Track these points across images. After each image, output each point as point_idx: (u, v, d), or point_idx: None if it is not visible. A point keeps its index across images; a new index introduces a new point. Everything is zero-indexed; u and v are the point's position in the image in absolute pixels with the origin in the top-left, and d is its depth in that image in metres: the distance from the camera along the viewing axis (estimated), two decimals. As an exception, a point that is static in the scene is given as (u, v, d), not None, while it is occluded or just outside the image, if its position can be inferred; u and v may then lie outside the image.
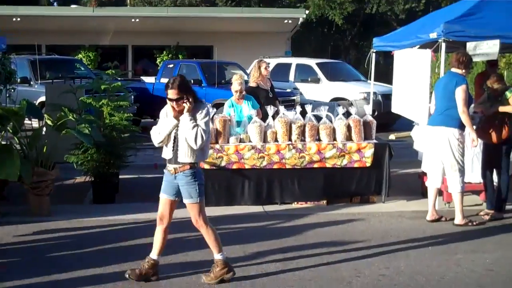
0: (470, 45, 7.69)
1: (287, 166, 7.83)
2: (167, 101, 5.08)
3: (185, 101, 5.02)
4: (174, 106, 5.04)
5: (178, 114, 5.07)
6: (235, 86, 8.13)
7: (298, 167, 7.83)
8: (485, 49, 7.72)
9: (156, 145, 5.21)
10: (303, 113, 8.07)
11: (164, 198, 5.26)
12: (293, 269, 5.59)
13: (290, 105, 12.03)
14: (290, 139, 7.87)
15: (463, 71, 7.01)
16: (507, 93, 7.23)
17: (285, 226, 7.08)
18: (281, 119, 7.89)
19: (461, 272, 5.51)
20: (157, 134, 5.15)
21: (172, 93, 4.99)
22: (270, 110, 7.95)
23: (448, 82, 7.00)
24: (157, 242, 5.29)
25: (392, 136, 13.94)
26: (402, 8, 31.21)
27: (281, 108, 8.24)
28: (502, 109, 7.16)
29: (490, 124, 7.16)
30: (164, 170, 5.28)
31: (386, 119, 14.62)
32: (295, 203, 8.00)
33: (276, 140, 7.88)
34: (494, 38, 7.68)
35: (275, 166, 7.82)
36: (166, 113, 5.18)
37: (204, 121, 5.08)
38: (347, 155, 7.84)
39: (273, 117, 7.96)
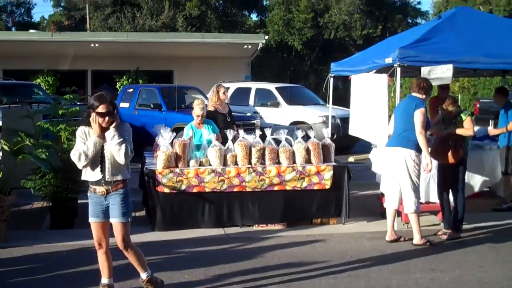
0: (424, 70, 7.88)
1: (248, 189, 7.86)
2: (94, 118, 4.99)
3: (115, 115, 5.01)
4: (102, 123, 4.98)
5: (102, 132, 5.02)
6: (197, 111, 8.18)
7: (258, 190, 7.87)
8: (439, 73, 7.92)
9: (81, 167, 5.09)
10: (263, 137, 8.14)
11: (96, 222, 5.19)
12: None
13: (250, 129, 12.09)
14: (250, 163, 7.91)
15: (423, 96, 7.19)
16: (462, 116, 7.44)
17: (246, 249, 7.08)
18: (241, 142, 7.93)
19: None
20: (82, 156, 4.99)
21: (104, 108, 4.95)
22: (230, 134, 7.99)
23: (407, 105, 7.16)
24: (103, 267, 5.27)
25: (351, 159, 14.12)
26: (360, 34, 31.92)
27: (241, 132, 8.29)
28: (459, 131, 7.35)
29: (445, 145, 7.33)
30: (89, 194, 5.20)
31: (345, 142, 14.82)
32: (256, 225, 8.02)
33: (236, 163, 7.90)
34: (447, 62, 7.89)
35: (236, 189, 7.84)
36: (86, 132, 5.09)
37: (130, 137, 5.09)
38: (306, 177, 7.92)
39: (233, 140, 8.00)
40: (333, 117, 14.45)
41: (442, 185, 7.57)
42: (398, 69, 7.98)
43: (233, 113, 9.60)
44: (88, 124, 5.04)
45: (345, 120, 14.20)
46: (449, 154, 7.27)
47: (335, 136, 14.36)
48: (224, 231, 7.79)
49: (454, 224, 7.45)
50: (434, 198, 8.03)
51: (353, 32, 32.05)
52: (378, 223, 8.13)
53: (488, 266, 6.34)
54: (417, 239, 7.13)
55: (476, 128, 10.98)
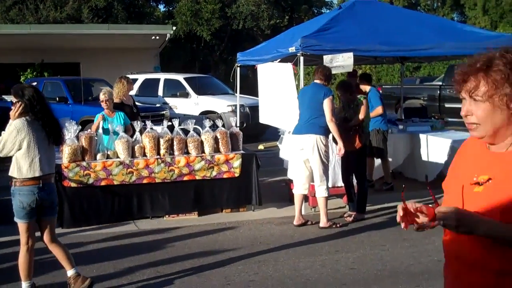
0: (326, 58, 8.11)
1: (157, 180, 7.83)
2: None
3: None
4: None
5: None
6: (100, 97, 8.09)
7: (168, 180, 7.86)
8: (341, 61, 8.17)
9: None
10: (172, 127, 8.13)
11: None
12: (164, 281, 5.62)
13: (159, 120, 12.02)
14: (158, 154, 7.88)
15: (326, 83, 7.40)
16: (361, 98, 7.73)
17: (156, 240, 7.07)
18: (149, 134, 7.88)
19: (325, 273, 5.78)
20: None
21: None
22: (137, 125, 7.93)
23: (315, 93, 7.32)
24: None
25: (261, 146, 14.33)
26: (267, 24, 32.25)
27: (148, 123, 8.24)
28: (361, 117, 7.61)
29: (345, 132, 7.57)
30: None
31: (255, 130, 15.02)
32: (167, 216, 8.01)
33: (144, 155, 7.86)
34: (347, 51, 8.16)
35: (145, 181, 7.80)
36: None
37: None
38: (216, 166, 7.98)
39: (140, 132, 7.95)
40: (242, 106, 14.63)
41: (346, 169, 7.84)
42: (301, 58, 8.18)
43: (142, 104, 9.53)
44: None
45: (254, 109, 14.40)
46: (350, 140, 7.51)
47: (244, 125, 14.57)
48: (134, 224, 7.73)
49: (358, 206, 7.74)
50: (340, 182, 8.31)
51: (261, 22, 32.33)
52: (287, 208, 8.31)
53: (390, 244, 6.64)
54: (323, 222, 7.36)
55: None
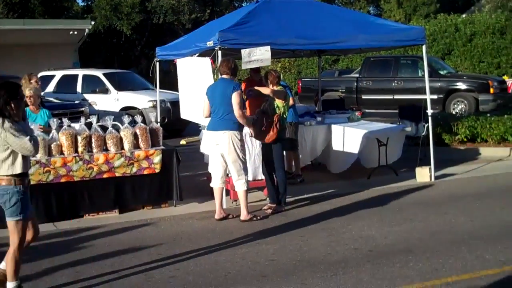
0: (244, 52, 8.15)
1: (76, 179, 7.67)
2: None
3: None
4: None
5: None
6: (26, 92, 7.81)
7: (87, 178, 7.72)
8: (259, 55, 8.24)
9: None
10: (90, 124, 7.97)
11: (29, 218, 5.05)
12: (83, 279, 5.53)
13: (79, 117, 11.75)
14: (76, 151, 7.72)
15: (233, 77, 7.44)
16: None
17: (76, 240, 6.94)
18: (66, 131, 7.70)
19: (246, 265, 5.84)
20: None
21: None
22: (53, 123, 7.74)
23: (224, 88, 7.34)
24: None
25: (183, 141, 14.28)
26: (188, 18, 32.07)
27: (65, 121, 8.06)
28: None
29: (261, 125, 7.64)
30: (19, 188, 4.89)
31: (177, 125, 14.95)
32: (87, 215, 7.87)
33: (62, 153, 7.68)
34: (265, 44, 8.24)
35: (63, 180, 7.62)
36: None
37: None
38: (136, 163, 7.89)
39: (57, 130, 7.76)
40: (163, 101, 14.53)
41: (265, 162, 7.93)
42: (219, 52, 8.21)
43: (60, 102, 9.30)
44: (6, 116, 4.81)
45: (175, 104, 14.30)
46: (266, 133, 7.59)
47: (166, 120, 14.49)
48: (53, 225, 7.55)
49: (278, 198, 7.85)
50: (261, 175, 8.41)
51: (181, 17, 32.11)
52: (209, 203, 8.30)
53: (308, 235, 6.76)
54: (244, 215, 7.43)
55: (297, 105, 11.63)
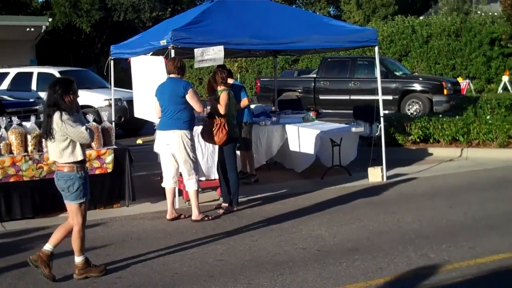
0: (197, 52, 8.13)
1: (25, 178, 7.54)
2: (70, 100, 5.31)
3: None
4: None
5: None
6: None
7: (36, 178, 7.59)
8: (212, 54, 8.22)
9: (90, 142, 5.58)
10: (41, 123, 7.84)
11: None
12: (28, 282, 5.44)
13: (34, 115, 11.57)
14: (26, 150, 7.59)
15: (181, 75, 7.41)
16: (218, 92, 7.80)
17: (24, 240, 6.83)
18: (15, 130, 7.57)
19: (194, 265, 5.82)
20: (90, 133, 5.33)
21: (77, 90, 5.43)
22: (2, 121, 7.60)
23: (174, 87, 7.30)
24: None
25: (139, 141, 14.16)
26: (149, 16, 31.85)
27: (14, 119, 7.91)
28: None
29: (211, 126, 7.64)
30: (81, 174, 5.39)
31: (134, 124, 14.82)
32: (38, 215, 7.73)
33: (11, 152, 7.54)
34: (218, 44, 8.23)
35: (12, 179, 7.48)
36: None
37: None
38: (87, 162, 7.77)
39: (6, 128, 7.62)
40: (119, 100, 14.41)
41: (219, 162, 7.93)
42: (172, 51, 8.17)
43: (13, 99, 9.13)
44: (63, 109, 5.20)
45: (132, 103, 14.19)
46: (215, 135, 7.59)
47: (122, 119, 14.36)
48: (1, 224, 7.41)
49: (229, 198, 7.86)
50: (214, 174, 8.40)
51: (142, 15, 31.92)
52: (162, 203, 8.23)
53: (258, 235, 6.79)
54: (195, 215, 7.41)
55: (254, 105, 11.70)
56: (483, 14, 26.23)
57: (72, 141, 5.27)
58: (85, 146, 5.45)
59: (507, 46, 20.77)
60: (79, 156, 5.33)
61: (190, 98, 7.25)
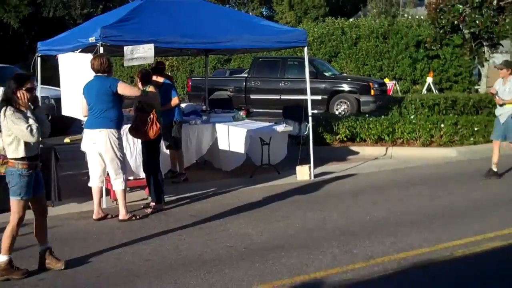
0: (127, 49, 8.03)
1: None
2: (23, 95, 5.28)
3: None
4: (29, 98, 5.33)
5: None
6: None
7: (2, 174, 7.31)
8: (142, 53, 8.14)
9: (36, 141, 5.32)
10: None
11: (29, 198, 5.49)
12: None
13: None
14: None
15: (108, 74, 7.33)
16: (146, 89, 7.79)
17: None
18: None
19: (120, 265, 5.77)
20: (38, 130, 5.24)
21: (32, 83, 5.39)
22: None
23: (101, 86, 7.19)
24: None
25: (67, 139, 13.81)
26: (80, 13, 31.17)
27: None
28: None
29: (142, 122, 7.61)
30: (24, 171, 5.37)
31: (62, 123, 14.49)
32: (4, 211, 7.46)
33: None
34: (148, 42, 8.16)
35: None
36: (15, 111, 5.31)
37: None
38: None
39: None
40: (47, 97, 14.06)
41: (145, 160, 7.89)
42: (101, 49, 8.05)
43: None
44: (10, 104, 5.22)
45: (59, 101, 13.89)
46: (144, 131, 7.56)
47: (50, 117, 13.97)
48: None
49: (156, 197, 7.83)
50: (143, 173, 8.34)
51: (73, 11, 31.15)
52: (89, 203, 8.09)
53: (186, 234, 6.80)
54: (122, 215, 7.34)
55: (185, 104, 11.68)
56: (409, 17, 27.01)
57: (16, 137, 5.27)
58: (33, 144, 5.37)
59: (431, 49, 21.45)
60: (20, 153, 5.30)
61: (123, 89, 7.17)
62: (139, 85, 7.83)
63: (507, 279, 5.42)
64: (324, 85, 17.03)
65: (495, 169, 9.76)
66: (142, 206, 7.94)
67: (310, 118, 10.09)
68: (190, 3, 10.02)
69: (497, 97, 9.59)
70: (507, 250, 6.15)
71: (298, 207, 8.06)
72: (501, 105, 9.56)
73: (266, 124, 11.00)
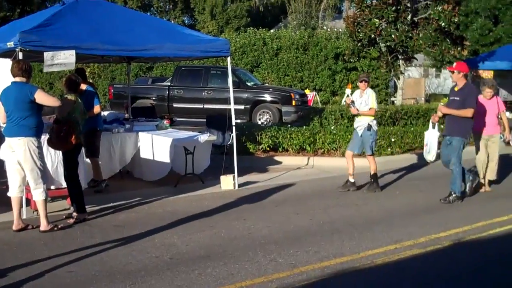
0: (47, 55, 7.84)
1: None
2: None
3: None
4: None
5: None
6: None
7: None
8: (62, 59, 7.96)
9: None
10: None
11: None
12: None
13: None
14: None
15: (26, 79, 7.14)
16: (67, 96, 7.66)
17: None
18: None
19: (42, 279, 5.57)
20: None
21: None
22: None
23: (19, 93, 6.98)
24: None
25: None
26: (-6, 16, 30.07)
27: None
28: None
29: (56, 134, 7.43)
30: None
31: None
32: None
33: None
34: (69, 48, 8.00)
35: None
36: None
37: None
38: None
39: None
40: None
41: (66, 170, 7.72)
42: (20, 54, 7.81)
43: None
44: None
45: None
46: (64, 139, 7.40)
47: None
48: None
49: (79, 206, 7.67)
50: (64, 183, 8.15)
51: (-13, 13, 30.06)
52: (8, 213, 7.81)
53: (110, 244, 6.65)
54: (43, 226, 7.14)
55: (107, 112, 11.50)
56: (328, 30, 27.75)
57: None
58: None
59: (350, 61, 22.09)
60: None
61: (41, 98, 6.98)
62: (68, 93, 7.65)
63: (425, 287, 5.66)
64: (246, 95, 17.21)
65: (352, 180, 9.87)
66: (64, 216, 7.75)
67: (233, 128, 10.17)
68: (113, 10, 9.93)
69: (352, 107, 9.74)
70: (424, 257, 6.42)
71: (223, 216, 8.10)
72: (357, 117, 9.78)
73: (190, 133, 10.99)
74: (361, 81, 9.77)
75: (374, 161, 9.86)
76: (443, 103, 10.10)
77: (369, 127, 9.63)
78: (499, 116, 9.92)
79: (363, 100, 9.67)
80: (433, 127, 9.56)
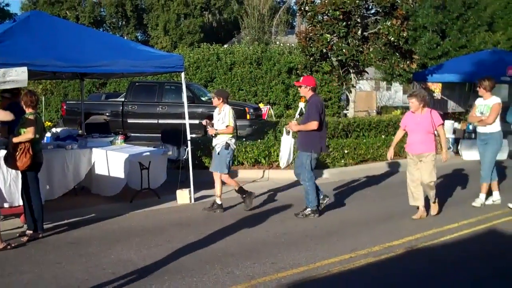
0: (-1, 72, 7.75)
1: None
2: None
3: None
4: None
5: None
6: None
7: None
8: (14, 76, 7.85)
9: None
10: None
11: None
12: None
13: None
14: None
15: None
16: (27, 115, 7.56)
17: None
18: None
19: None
20: None
21: None
22: None
23: None
24: None
25: None
26: None
27: None
28: (16, 139, 7.37)
29: (16, 150, 7.35)
30: None
31: None
32: None
33: None
34: (21, 65, 7.91)
35: None
36: None
37: None
38: None
39: None
40: None
41: (23, 188, 7.61)
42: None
43: None
44: None
45: None
46: (17, 160, 7.31)
47: None
48: None
49: (33, 225, 7.57)
50: (18, 201, 8.04)
51: None
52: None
53: (66, 261, 6.63)
54: (-4, 244, 7.04)
55: (60, 129, 11.39)
56: (281, 44, 28.06)
57: None
58: None
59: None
60: None
61: None
62: (27, 110, 7.56)
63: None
64: (201, 110, 17.24)
65: (219, 202, 9.42)
66: (17, 235, 7.63)
67: (189, 142, 10.21)
68: (65, 27, 9.88)
69: (209, 128, 9.36)
70: (379, 265, 6.57)
71: (179, 230, 8.11)
72: (214, 136, 9.35)
73: (145, 148, 10.96)
74: (213, 97, 9.39)
75: (230, 179, 9.52)
76: (296, 121, 9.62)
77: (227, 146, 9.24)
78: (436, 133, 8.78)
79: (220, 117, 9.28)
80: (287, 134, 9.30)
